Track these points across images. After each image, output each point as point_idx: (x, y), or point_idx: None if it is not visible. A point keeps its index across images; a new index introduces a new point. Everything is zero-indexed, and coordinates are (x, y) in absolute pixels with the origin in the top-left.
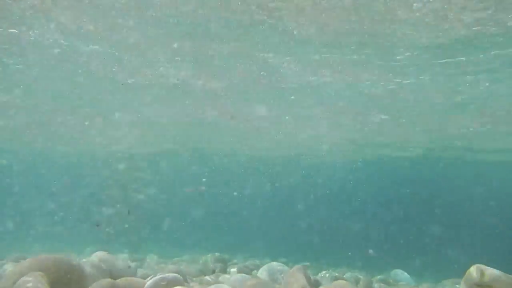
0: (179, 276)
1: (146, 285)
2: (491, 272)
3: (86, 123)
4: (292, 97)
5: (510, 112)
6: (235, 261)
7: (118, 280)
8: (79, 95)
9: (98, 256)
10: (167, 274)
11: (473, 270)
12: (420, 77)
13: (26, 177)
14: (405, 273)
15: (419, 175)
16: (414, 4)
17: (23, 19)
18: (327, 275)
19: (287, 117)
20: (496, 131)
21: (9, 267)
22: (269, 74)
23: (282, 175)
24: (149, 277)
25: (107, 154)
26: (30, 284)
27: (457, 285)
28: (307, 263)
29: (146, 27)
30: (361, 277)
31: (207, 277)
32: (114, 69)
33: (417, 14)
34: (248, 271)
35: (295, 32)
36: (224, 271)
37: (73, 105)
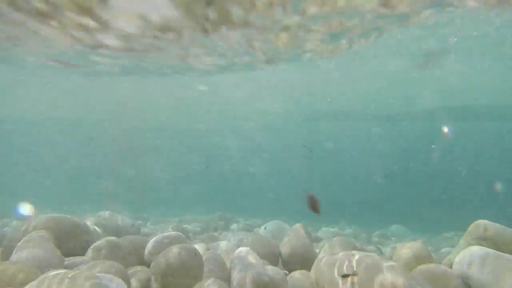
0: (181, 234)
1: (149, 243)
2: (494, 226)
3: None
4: None
5: None
6: (237, 219)
7: (121, 238)
8: None
9: (102, 215)
10: (170, 232)
11: (477, 225)
12: None
13: (32, 137)
14: (404, 228)
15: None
16: None
17: None
18: (328, 230)
19: None
20: None
21: (15, 225)
22: None
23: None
24: (152, 235)
25: None
26: (35, 241)
27: (456, 238)
28: (304, 222)
29: None
30: (360, 232)
31: (210, 234)
32: None
33: None
34: (249, 229)
35: None
36: (227, 229)
37: None
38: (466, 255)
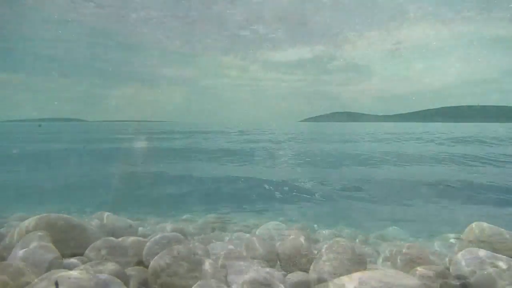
0: (179, 234)
1: (147, 244)
2: (491, 228)
3: None
4: None
5: None
6: (234, 220)
7: (120, 239)
8: None
9: (100, 216)
10: (167, 233)
11: (474, 227)
12: None
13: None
14: (401, 230)
15: None
16: None
17: None
18: (326, 231)
19: None
20: None
21: (12, 225)
22: None
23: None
24: (150, 236)
25: None
26: (34, 241)
27: (451, 240)
28: (305, 223)
29: None
30: (358, 234)
31: (207, 236)
32: None
33: None
34: (247, 230)
35: None
36: (224, 229)
37: None
38: (464, 257)
